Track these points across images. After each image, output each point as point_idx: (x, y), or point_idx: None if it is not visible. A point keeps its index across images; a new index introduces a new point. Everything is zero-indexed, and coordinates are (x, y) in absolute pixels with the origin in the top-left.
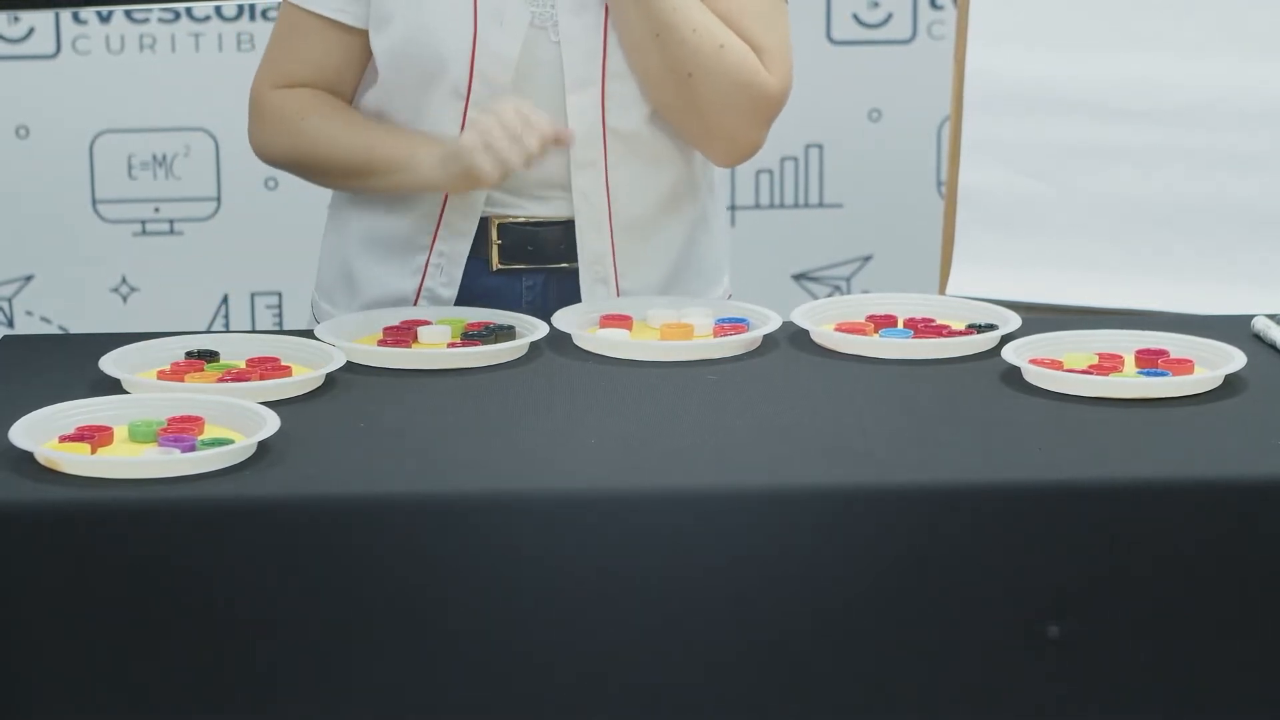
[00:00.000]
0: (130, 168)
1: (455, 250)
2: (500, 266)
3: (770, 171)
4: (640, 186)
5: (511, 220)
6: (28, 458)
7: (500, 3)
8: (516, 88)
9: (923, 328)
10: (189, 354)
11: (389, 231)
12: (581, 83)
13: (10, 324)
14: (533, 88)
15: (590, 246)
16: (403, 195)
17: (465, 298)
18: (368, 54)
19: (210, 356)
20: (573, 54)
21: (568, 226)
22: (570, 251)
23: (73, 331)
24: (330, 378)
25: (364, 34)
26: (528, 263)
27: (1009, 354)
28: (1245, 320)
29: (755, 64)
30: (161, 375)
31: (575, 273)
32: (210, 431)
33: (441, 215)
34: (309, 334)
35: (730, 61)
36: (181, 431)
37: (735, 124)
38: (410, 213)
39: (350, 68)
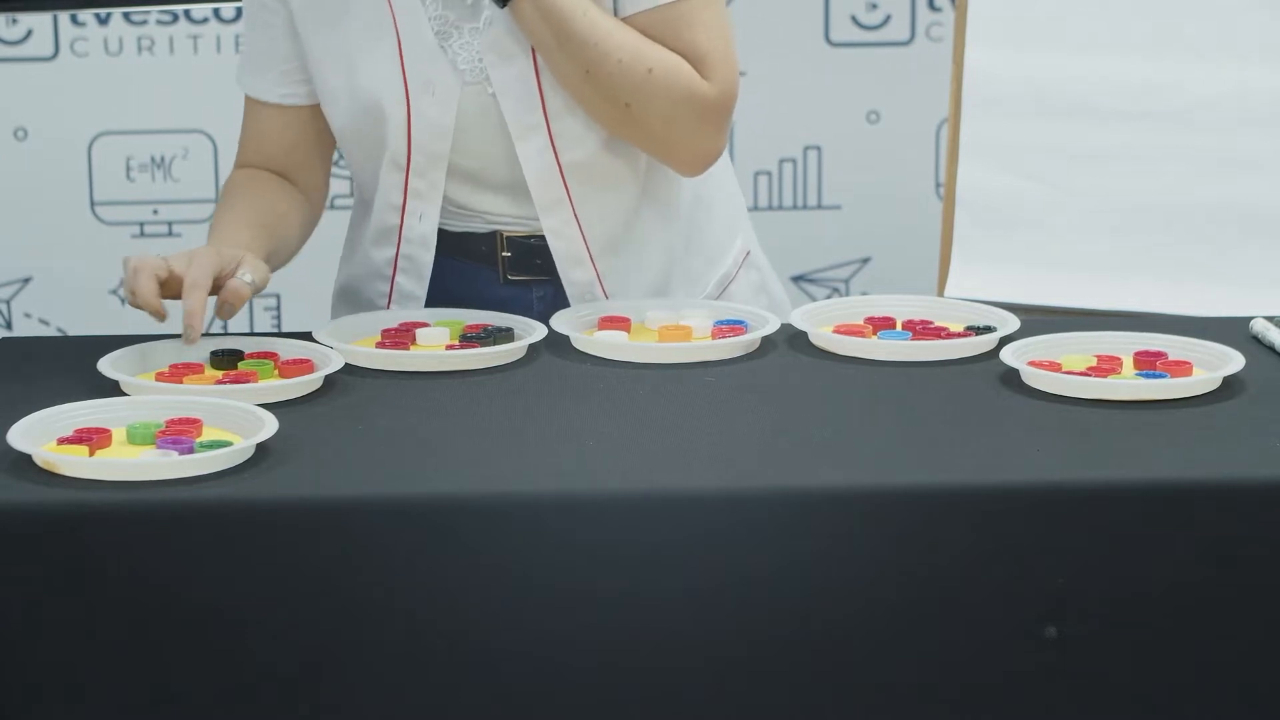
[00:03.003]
0: (129, 169)
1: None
2: (510, 278)
3: (769, 173)
4: (610, 211)
5: (519, 235)
6: (26, 460)
7: (429, 71)
8: (462, 145)
9: (921, 330)
10: (213, 354)
11: (353, 286)
12: (526, 130)
13: (9, 326)
14: (477, 142)
15: (574, 278)
16: (356, 256)
17: (477, 309)
18: (327, 127)
19: (235, 356)
20: (510, 105)
21: None
22: None
23: (71, 333)
24: (329, 380)
25: (315, 109)
26: (537, 274)
27: (1007, 356)
28: (1244, 322)
29: (689, 78)
30: (160, 377)
31: None
32: (208, 433)
33: (393, 280)
34: (307, 335)
35: (663, 83)
36: (180, 434)
37: (684, 138)
38: (364, 273)
39: (308, 143)
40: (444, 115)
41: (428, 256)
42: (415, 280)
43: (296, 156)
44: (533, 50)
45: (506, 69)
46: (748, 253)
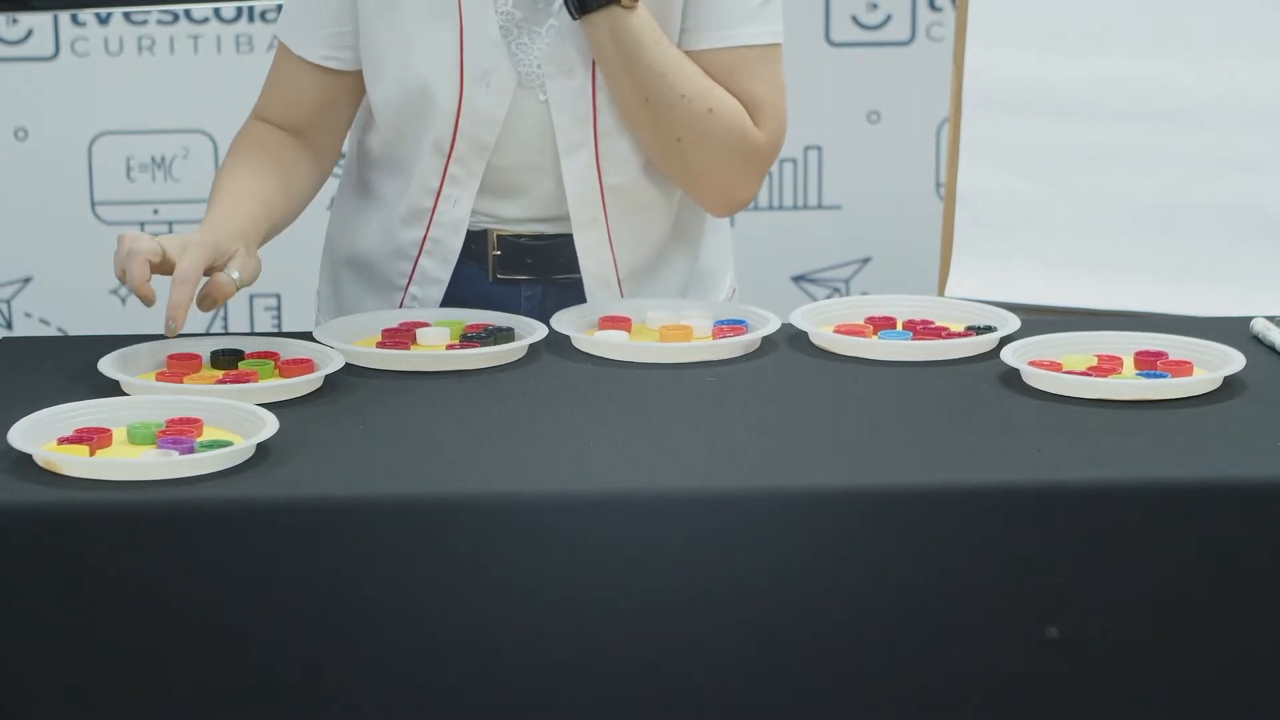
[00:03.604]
0: (129, 169)
1: (428, 295)
2: (499, 276)
3: (769, 173)
4: (642, 234)
5: (511, 234)
6: (27, 460)
7: (488, 63)
8: (504, 145)
9: (922, 329)
10: (214, 354)
11: (369, 261)
12: (574, 146)
13: (9, 326)
14: (521, 145)
15: (599, 297)
16: (379, 231)
17: (464, 306)
18: (358, 93)
19: (235, 356)
20: (563, 118)
21: (567, 240)
22: (570, 264)
23: (71, 333)
24: (329, 379)
25: (352, 75)
26: (527, 274)
27: (1008, 356)
28: (1244, 322)
29: (744, 124)
30: (160, 376)
31: (575, 283)
32: (209, 433)
33: (417, 260)
34: (308, 335)
35: (719, 125)
36: (180, 433)
37: (727, 181)
38: (387, 250)
39: (335, 106)
40: (496, 108)
41: (456, 242)
42: (439, 264)
43: (320, 117)
44: (593, 66)
45: (565, 81)
46: (734, 290)
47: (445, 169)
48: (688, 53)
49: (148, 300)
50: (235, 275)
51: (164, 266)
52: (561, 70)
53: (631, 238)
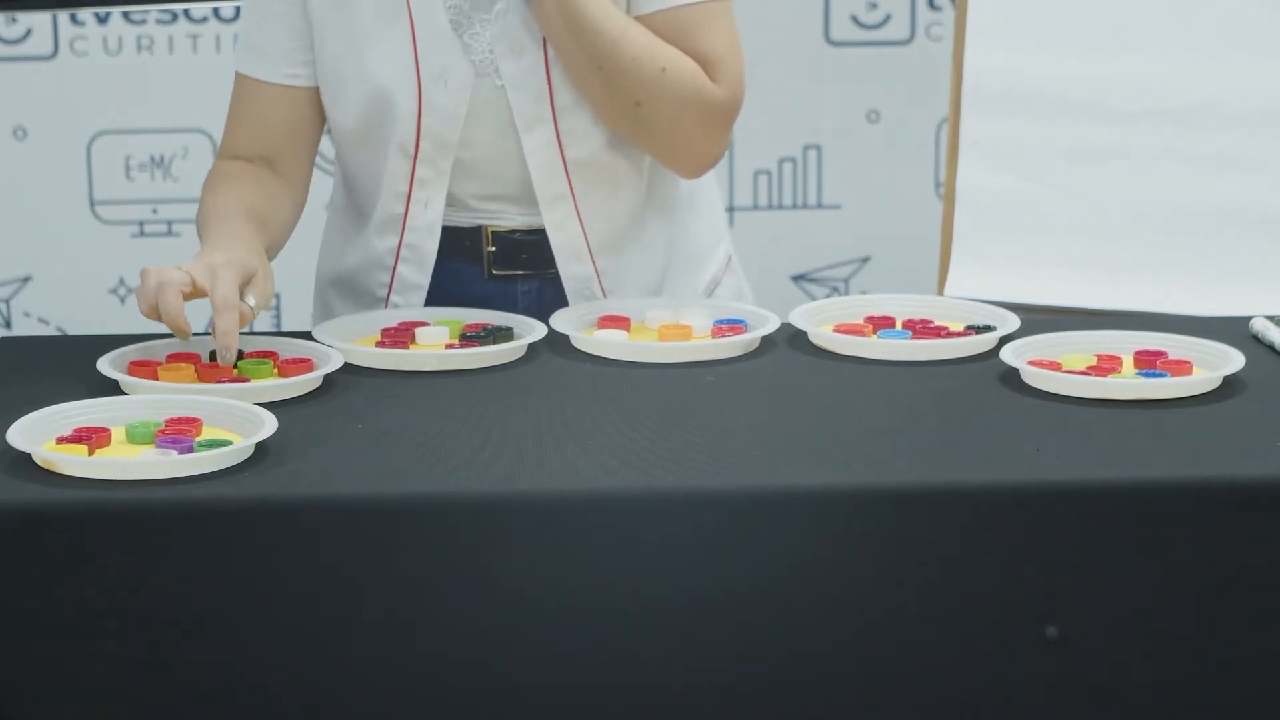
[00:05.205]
0: (128, 169)
1: (409, 303)
2: (495, 273)
3: (768, 173)
4: (611, 208)
5: (504, 230)
6: (25, 459)
7: (443, 59)
8: (468, 138)
9: (921, 329)
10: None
11: (352, 278)
12: (533, 123)
13: (8, 325)
14: (483, 133)
15: (573, 273)
16: (359, 247)
17: (460, 305)
18: (321, 116)
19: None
20: (519, 97)
21: None
22: None
23: (70, 333)
24: (328, 379)
25: (315, 92)
26: (522, 269)
27: (1007, 355)
28: (1244, 321)
29: (700, 80)
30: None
31: None
32: (208, 433)
33: (394, 269)
34: (306, 335)
35: (675, 84)
36: (179, 433)
37: (690, 141)
38: (366, 264)
39: (301, 130)
40: (456, 104)
41: (431, 245)
42: (418, 269)
43: (289, 141)
44: (544, 43)
45: (517, 61)
46: (729, 257)
47: (413, 172)
48: (637, 18)
49: (184, 334)
50: (251, 302)
51: (193, 295)
52: (513, 50)
53: (600, 210)
